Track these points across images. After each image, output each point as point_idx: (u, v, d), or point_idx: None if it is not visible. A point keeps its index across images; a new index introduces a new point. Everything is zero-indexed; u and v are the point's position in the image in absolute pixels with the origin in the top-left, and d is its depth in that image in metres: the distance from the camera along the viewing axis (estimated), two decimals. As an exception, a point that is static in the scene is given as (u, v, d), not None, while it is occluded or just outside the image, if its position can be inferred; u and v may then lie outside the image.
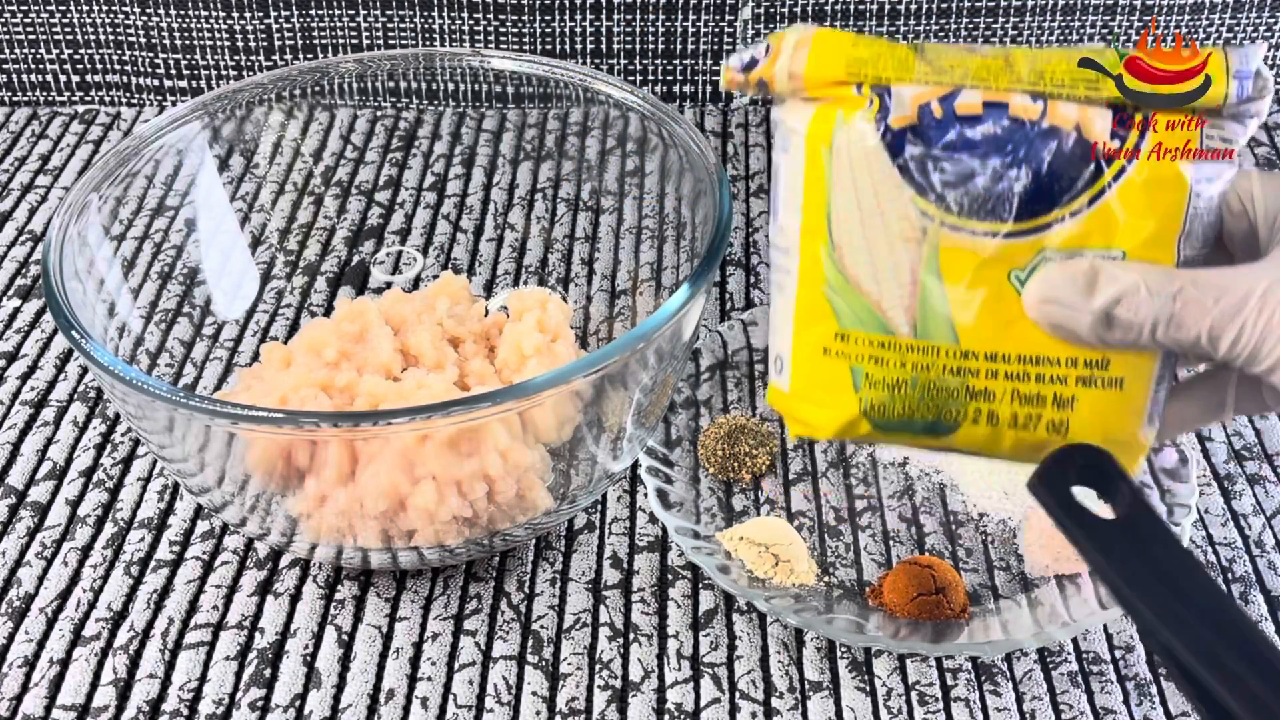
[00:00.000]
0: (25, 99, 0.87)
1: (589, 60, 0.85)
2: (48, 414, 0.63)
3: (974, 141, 0.43)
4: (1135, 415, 0.45)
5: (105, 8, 0.84)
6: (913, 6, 0.81)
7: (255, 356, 0.64)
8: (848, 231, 0.44)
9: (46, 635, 0.54)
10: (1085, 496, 0.42)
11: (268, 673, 0.52)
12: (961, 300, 0.44)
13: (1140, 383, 0.45)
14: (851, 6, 0.81)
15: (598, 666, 0.52)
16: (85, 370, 0.66)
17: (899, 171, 0.43)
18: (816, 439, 0.51)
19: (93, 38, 0.85)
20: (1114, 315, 0.43)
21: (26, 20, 0.85)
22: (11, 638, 0.54)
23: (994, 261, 0.44)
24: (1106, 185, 0.43)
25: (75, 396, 0.64)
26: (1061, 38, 0.83)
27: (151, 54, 0.85)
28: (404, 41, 0.85)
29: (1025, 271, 0.43)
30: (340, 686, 0.52)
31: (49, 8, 0.84)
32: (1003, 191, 0.43)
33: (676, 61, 0.85)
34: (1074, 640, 0.53)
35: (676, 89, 0.86)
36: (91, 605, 0.55)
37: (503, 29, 0.84)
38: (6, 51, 0.86)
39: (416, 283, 0.69)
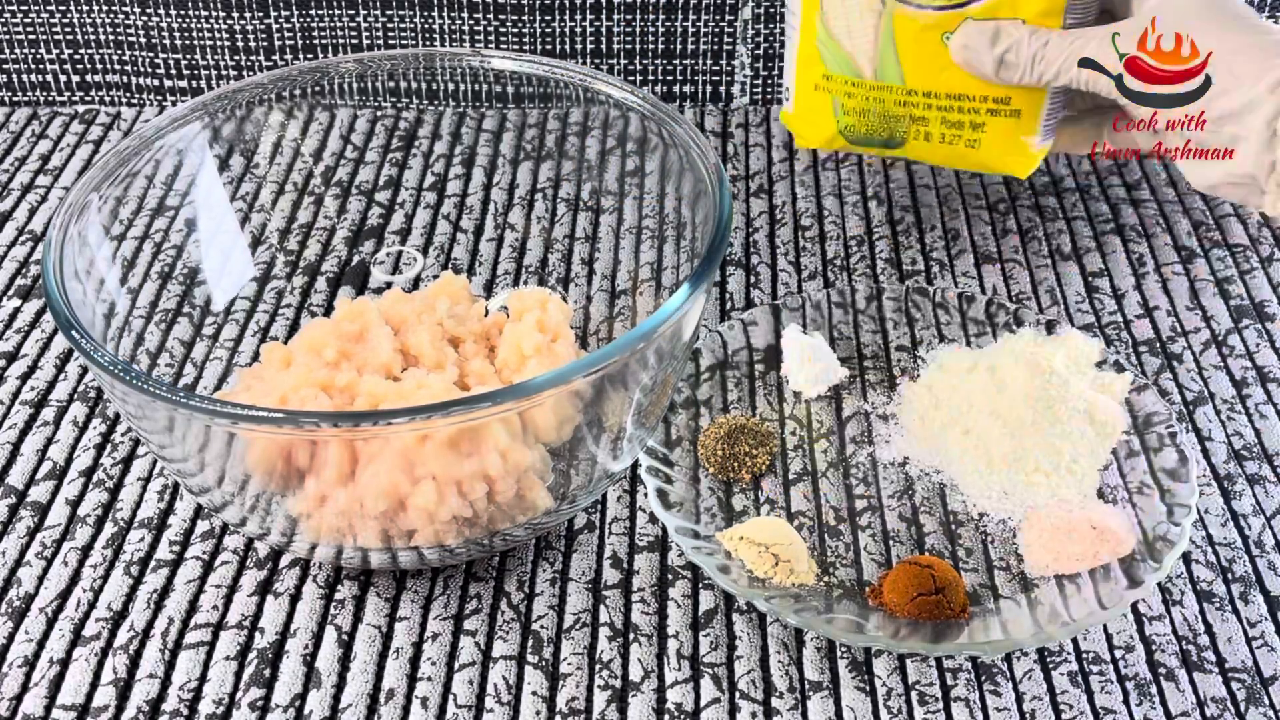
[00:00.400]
0: (25, 99, 0.87)
1: (589, 60, 0.85)
2: (48, 414, 0.64)
3: None
4: (1028, 135, 0.65)
5: (105, 8, 0.84)
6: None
7: (255, 356, 0.64)
8: (831, 1, 0.64)
9: (46, 635, 0.54)
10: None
11: (268, 673, 0.52)
12: (907, 54, 0.64)
13: (1032, 113, 0.64)
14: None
15: (598, 666, 0.53)
16: (85, 370, 0.66)
17: None
18: (812, 147, 0.70)
19: (93, 38, 0.85)
20: (1005, 59, 0.62)
21: (26, 20, 0.85)
22: (11, 638, 0.54)
23: (932, 26, 0.63)
24: None
25: (75, 396, 0.65)
26: (1061, 38, 0.83)
27: (151, 54, 0.85)
28: (404, 41, 0.85)
29: (954, 33, 0.62)
30: (340, 686, 0.52)
31: (49, 8, 0.84)
32: None
33: (676, 61, 0.85)
34: (1074, 640, 0.53)
35: (676, 89, 0.86)
36: (91, 605, 0.55)
37: (503, 29, 0.84)
38: (6, 51, 0.86)
39: (416, 283, 0.69)
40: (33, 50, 0.86)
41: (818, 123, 0.67)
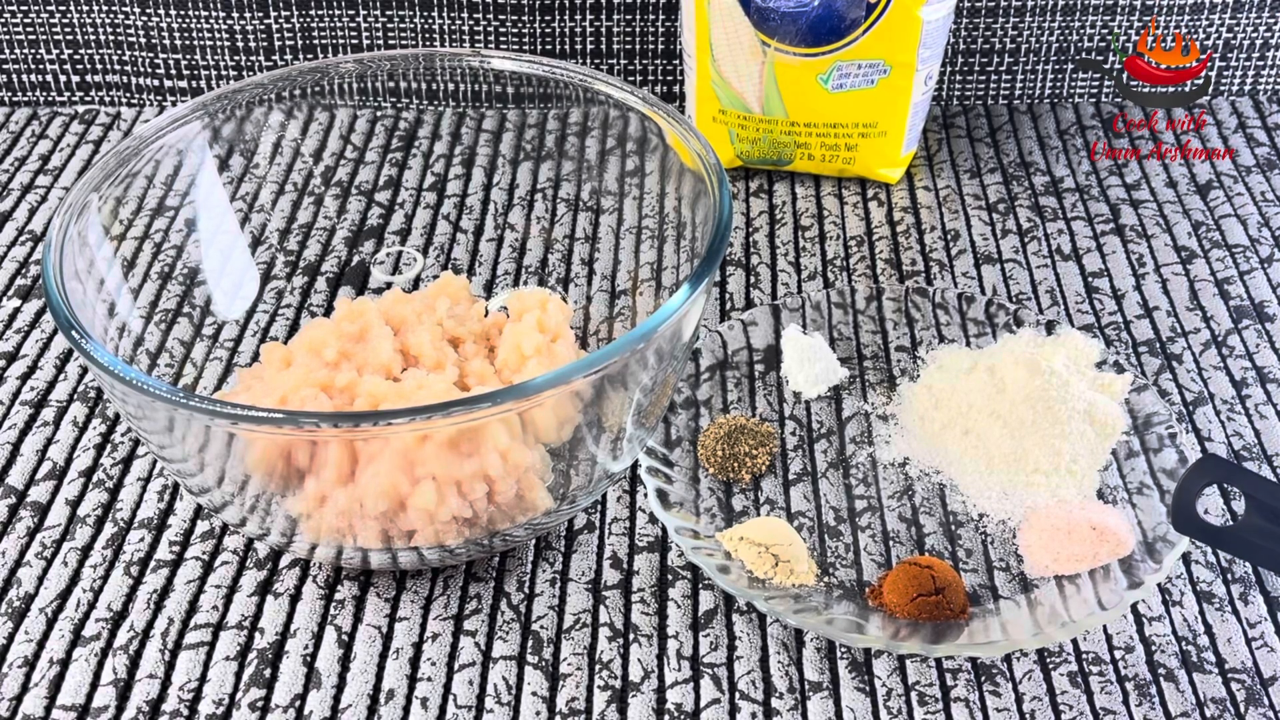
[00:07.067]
0: (25, 99, 0.87)
1: (589, 60, 0.85)
2: (48, 414, 0.63)
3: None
4: (894, 151, 0.77)
5: (105, 8, 0.84)
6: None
7: (255, 356, 0.64)
8: (721, 50, 0.75)
9: (46, 635, 0.54)
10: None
11: (268, 673, 0.52)
12: (789, 92, 0.75)
13: (898, 132, 0.76)
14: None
15: (598, 667, 0.53)
16: (85, 370, 0.66)
17: (748, 17, 0.73)
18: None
19: (93, 38, 0.85)
20: None
21: (26, 20, 0.85)
22: (11, 638, 0.54)
23: (807, 69, 0.74)
24: (873, 23, 0.72)
25: (75, 396, 0.64)
26: (1061, 38, 0.83)
27: (151, 54, 0.85)
28: (404, 41, 0.85)
29: (825, 74, 0.74)
30: (340, 686, 0.52)
31: (49, 8, 0.84)
32: (809, 30, 0.72)
33: (676, 62, 0.85)
34: (1074, 640, 0.53)
35: (676, 89, 0.86)
36: (91, 605, 0.55)
37: (503, 29, 0.84)
38: (6, 51, 0.86)
39: (416, 283, 0.69)
40: (33, 50, 0.86)
41: (717, 148, 0.77)
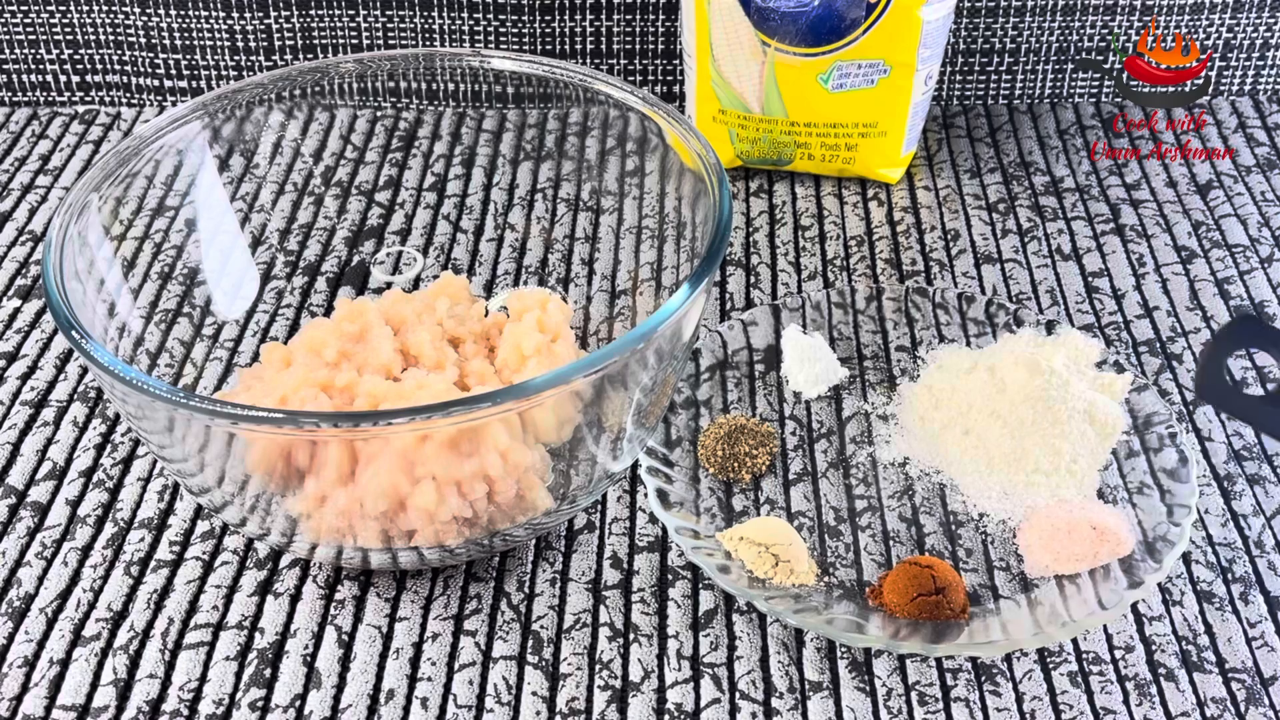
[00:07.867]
0: (25, 99, 0.87)
1: (589, 60, 0.85)
2: (48, 414, 0.63)
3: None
4: (894, 151, 0.77)
5: (105, 8, 0.84)
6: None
7: (255, 356, 0.64)
8: (721, 50, 0.75)
9: (46, 635, 0.54)
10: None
11: (268, 673, 0.52)
12: (789, 92, 0.75)
13: (898, 132, 0.76)
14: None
15: (598, 667, 0.53)
16: (85, 370, 0.66)
17: (748, 17, 0.73)
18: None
19: (93, 38, 0.85)
20: None
21: (26, 20, 0.85)
22: (11, 638, 0.54)
23: (807, 69, 0.74)
24: (873, 23, 0.72)
25: (75, 396, 0.64)
26: (1061, 38, 0.83)
27: (151, 54, 0.85)
28: (404, 41, 0.85)
29: (825, 74, 0.74)
30: (340, 686, 0.52)
31: (49, 8, 0.84)
32: (809, 30, 0.72)
33: (676, 62, 0.85)
34: (1074, 640, 0.53)
35: (676, 89, 0.86)
36: (91, 605, 0.55)
37: (503, 29, 0.84)
38: (6, 51, 0.86)
39: (416, 283, 0.69)
40: (33, 50, 0.86)
41: (717, 148, 0.78)
